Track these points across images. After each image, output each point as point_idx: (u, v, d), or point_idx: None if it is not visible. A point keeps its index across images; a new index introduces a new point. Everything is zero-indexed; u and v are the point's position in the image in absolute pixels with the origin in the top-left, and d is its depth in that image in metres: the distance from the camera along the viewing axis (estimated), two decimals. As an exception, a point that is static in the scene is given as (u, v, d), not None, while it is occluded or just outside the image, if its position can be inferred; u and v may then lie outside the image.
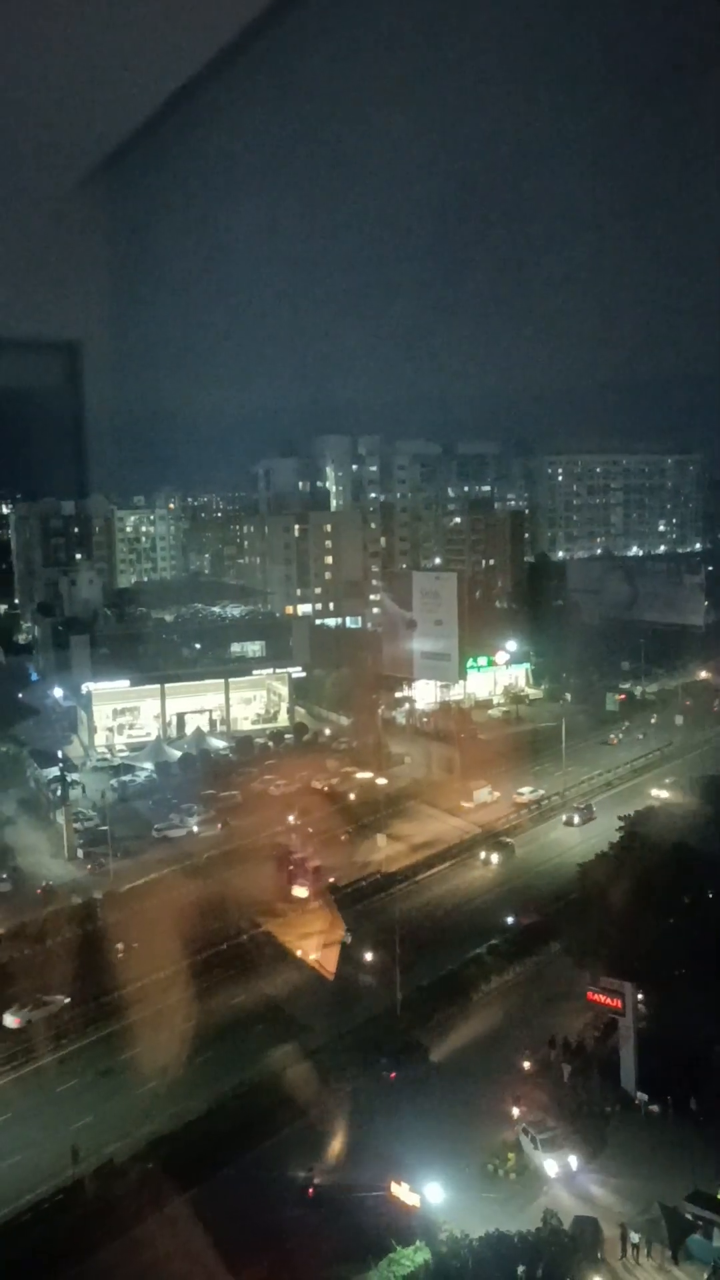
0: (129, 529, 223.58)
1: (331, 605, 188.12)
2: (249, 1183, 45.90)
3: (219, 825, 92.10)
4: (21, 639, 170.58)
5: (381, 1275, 40.09)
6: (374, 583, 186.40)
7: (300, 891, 74.96)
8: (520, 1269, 39.50)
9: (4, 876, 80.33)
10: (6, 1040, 57.61)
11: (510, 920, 70.18)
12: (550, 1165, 47.12)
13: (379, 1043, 55.80)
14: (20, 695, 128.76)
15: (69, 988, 61.28)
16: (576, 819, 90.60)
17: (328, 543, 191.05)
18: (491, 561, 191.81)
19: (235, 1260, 40.18)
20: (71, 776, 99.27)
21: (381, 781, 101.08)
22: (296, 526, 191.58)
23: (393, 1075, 53.34)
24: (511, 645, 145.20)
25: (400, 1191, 44.09)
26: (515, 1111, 50.61)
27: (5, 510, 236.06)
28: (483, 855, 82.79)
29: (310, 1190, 45.23)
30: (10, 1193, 45.38)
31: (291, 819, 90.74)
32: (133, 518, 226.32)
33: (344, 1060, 54.22)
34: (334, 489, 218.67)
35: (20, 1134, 49.90)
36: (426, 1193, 43.78)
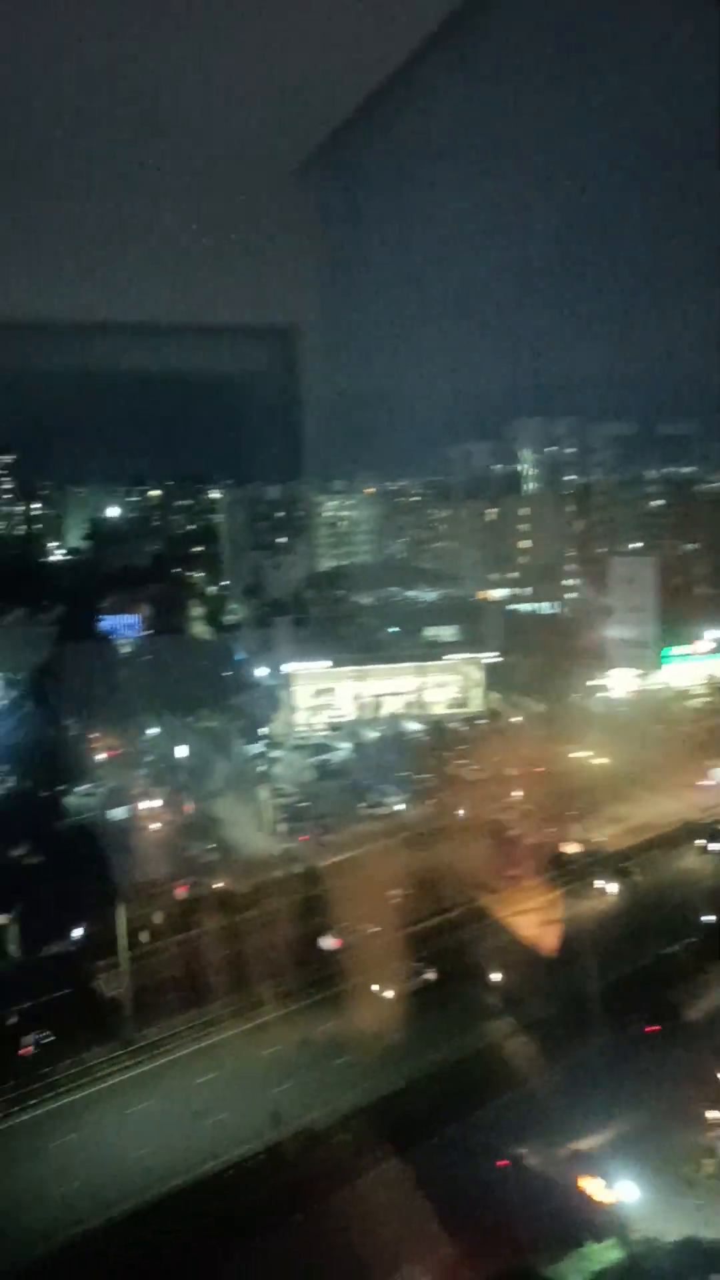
0: (329, 513, 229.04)
1: (526, 590, 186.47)
2: (455, 1152, 47.21)
3: (425, 803, 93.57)
4: (228, 620, 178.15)
5: (572, 1269, 40.43)
6: (569, 568, 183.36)
7: (515, 870, 75.51)
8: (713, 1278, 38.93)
9: (212, 846, 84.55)
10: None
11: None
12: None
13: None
14: (226, 673, 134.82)
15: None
16: None
17: (522, 527, 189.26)
18: (693, 546, 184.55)
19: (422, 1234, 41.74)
20: (273, 753, 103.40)
21: (594, 760, 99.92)
22: (491, 510, 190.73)
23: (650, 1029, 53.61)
24: (714, 634, 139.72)
25: (593, 1185, 44.23)
26: (713, 1114, 49.60)
27: (216, 495, 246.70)
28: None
29: (504, 1163, 46.07)
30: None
31: (515, 794, 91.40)
32: (332, 502, 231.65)
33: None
34: (530, 472, 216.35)
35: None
36: (621, 1190, 43.72)
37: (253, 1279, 40.39)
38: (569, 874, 75.75)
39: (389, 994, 59.75)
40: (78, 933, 66.30)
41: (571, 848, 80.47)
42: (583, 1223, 42.68)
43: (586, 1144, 47.05)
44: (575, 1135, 48.08)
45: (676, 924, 66.85)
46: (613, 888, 73.65)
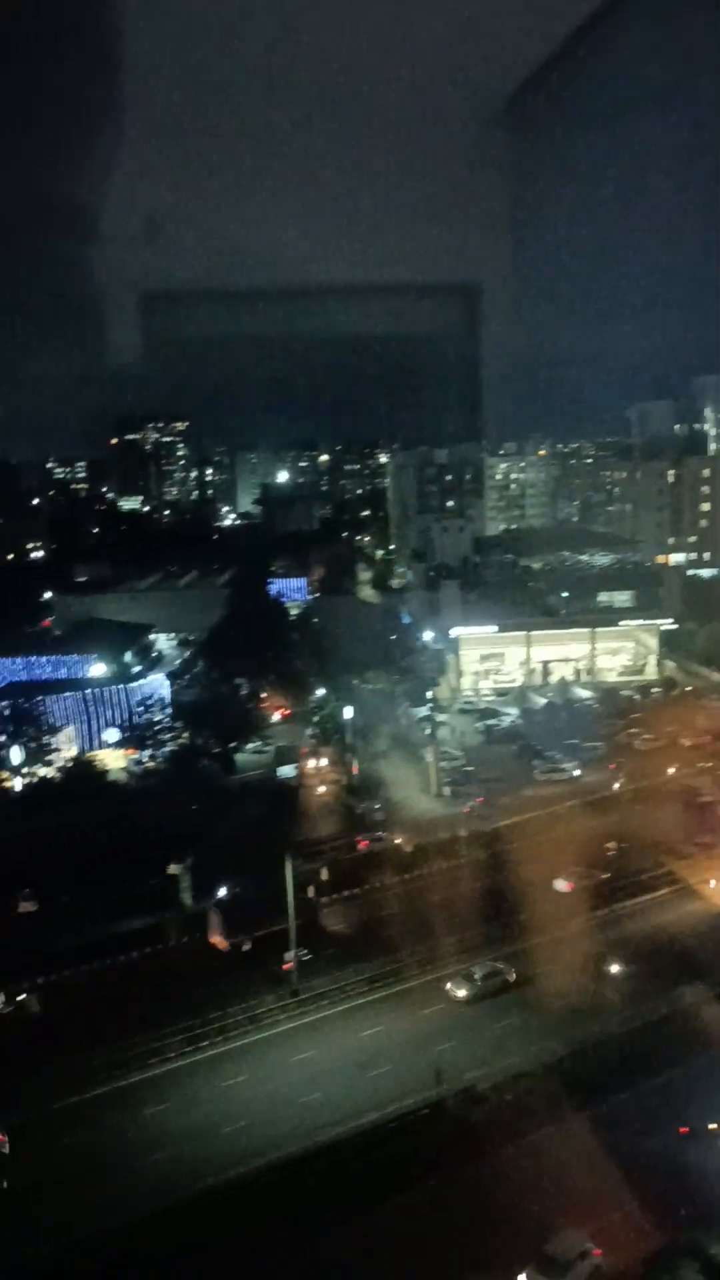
0: (499, 476, 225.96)
1: (707, 555, 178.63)
2: (634, 1116, 46.39)
3: (606, 769, 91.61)
4: (395, 583, 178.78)
5: (742, 1249, 38.80)
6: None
7: (707, 836, 74.06)
8: None
9: (378, 806, 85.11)
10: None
11: None
12: None
13: None
14: (393, 637, 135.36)
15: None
16: None
17: (705, 489, 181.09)
18: None
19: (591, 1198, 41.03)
20: (439, 717, 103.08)
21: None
22: (671, 471, 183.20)
23: None
24: None
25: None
26: None
27: (385, 459, 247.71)
28: None
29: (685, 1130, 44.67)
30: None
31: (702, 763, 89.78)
32: (503, 465, 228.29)
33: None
34: (713, 432, 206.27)
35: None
36: None
37: (408, 1230, 40.52)
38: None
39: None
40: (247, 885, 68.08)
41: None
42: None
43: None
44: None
45: None
46: None
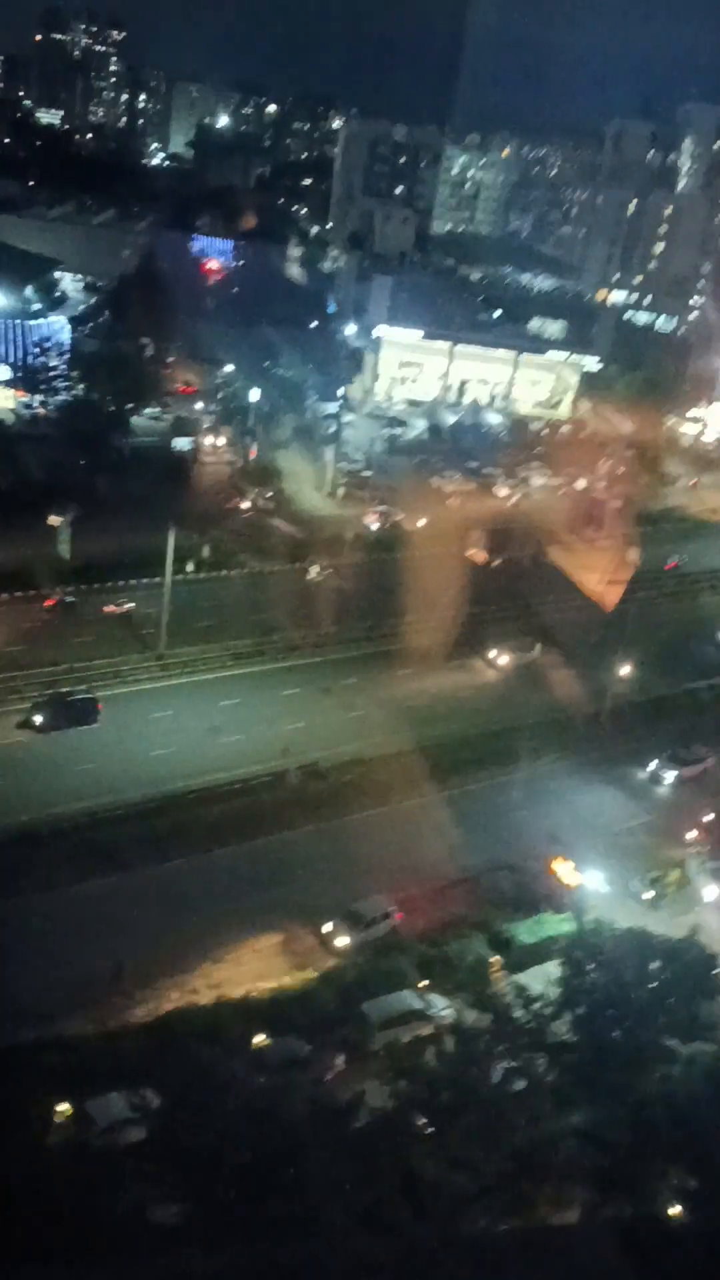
0: (455, 170, 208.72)
1: (648, 299, 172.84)
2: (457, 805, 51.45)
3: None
4: (326, 266, 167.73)
5: (527, 930, 44.02)
6: (701, 285, 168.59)
7: (593, 530, 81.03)
8: (653, 965, 42.08)
9: (270, 494, 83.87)
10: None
11: None
12: (711, 891, 48.83)
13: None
14: (314, 324, 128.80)
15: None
16: None
17: (663, 228, 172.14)
18: None
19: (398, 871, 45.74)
20: (347, 417, 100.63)
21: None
22: (634, 201, 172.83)
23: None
24: None
25: (562, 868, 47.23)
26: (692, 834, 52.13)
27: (337, 125, 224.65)
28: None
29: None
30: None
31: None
32: (462, 158, 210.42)
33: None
34: (688, 166, 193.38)
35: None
36: (586, 878, 46.70)
37: (238, 874, 44.39)
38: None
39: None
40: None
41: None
42: (545, 895, 46.00)
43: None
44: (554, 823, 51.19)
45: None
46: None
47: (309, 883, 44.94)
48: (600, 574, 73.40)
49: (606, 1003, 36.32)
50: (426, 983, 40.92)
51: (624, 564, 76.03)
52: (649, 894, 47.74)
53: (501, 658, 65.34)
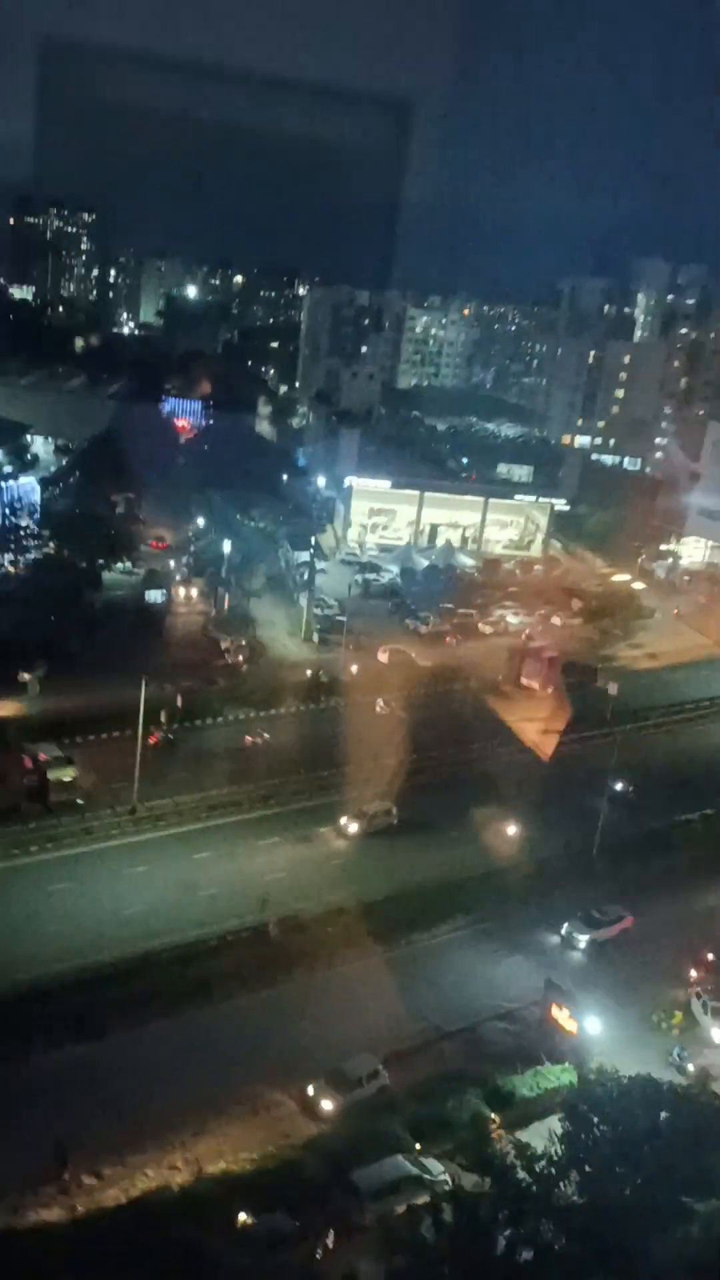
0: (418, 329, 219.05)
1: (612, 442, 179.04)
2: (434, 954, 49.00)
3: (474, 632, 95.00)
4: (295, 423, 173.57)
5: (527, 1084, 41.32)
6: (663, 426, 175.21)
7: (531, 680, 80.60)
8: (663, 1115, 39.40)
9: (244, 642, 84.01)
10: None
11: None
12: (718, 1034, 46.32)
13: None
14: (285, 478, 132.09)
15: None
16: None
17: (623, 375, 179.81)
18: None
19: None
20: (320, 564, 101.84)
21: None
22: (592, 352, 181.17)
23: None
24: None
25: (559, 1015, 44.77)
26: (693, 974, 49.80)
27: (302, 291, 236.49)
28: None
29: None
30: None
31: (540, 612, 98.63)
32: (424, 318, 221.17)
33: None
34: (642, 318, 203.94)
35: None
36: (585, 1024, 44.21)
37: (211, 1038, 41.75)
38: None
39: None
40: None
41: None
42: (543, 1045, 43.46)
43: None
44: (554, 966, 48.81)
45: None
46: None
47: (290, 1041, 42.31)
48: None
49: (615, 1158, 33.69)
50: (420, 1146, 38.02)
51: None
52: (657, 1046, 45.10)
53: (352, 825, 59.36)
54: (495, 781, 65.50)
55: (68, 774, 58.04)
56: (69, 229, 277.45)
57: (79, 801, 57.49)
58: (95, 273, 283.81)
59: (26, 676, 68.46)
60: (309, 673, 78.72)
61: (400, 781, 63.49)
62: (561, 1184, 33.35)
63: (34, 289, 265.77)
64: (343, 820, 59.27)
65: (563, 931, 52.32)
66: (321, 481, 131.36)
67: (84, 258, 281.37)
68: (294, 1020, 43.60)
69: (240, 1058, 41.11)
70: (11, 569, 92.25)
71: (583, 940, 51.91)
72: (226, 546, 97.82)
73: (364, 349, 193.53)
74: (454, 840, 58.89)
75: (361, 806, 60.00)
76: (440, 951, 50.06)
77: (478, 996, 47.18)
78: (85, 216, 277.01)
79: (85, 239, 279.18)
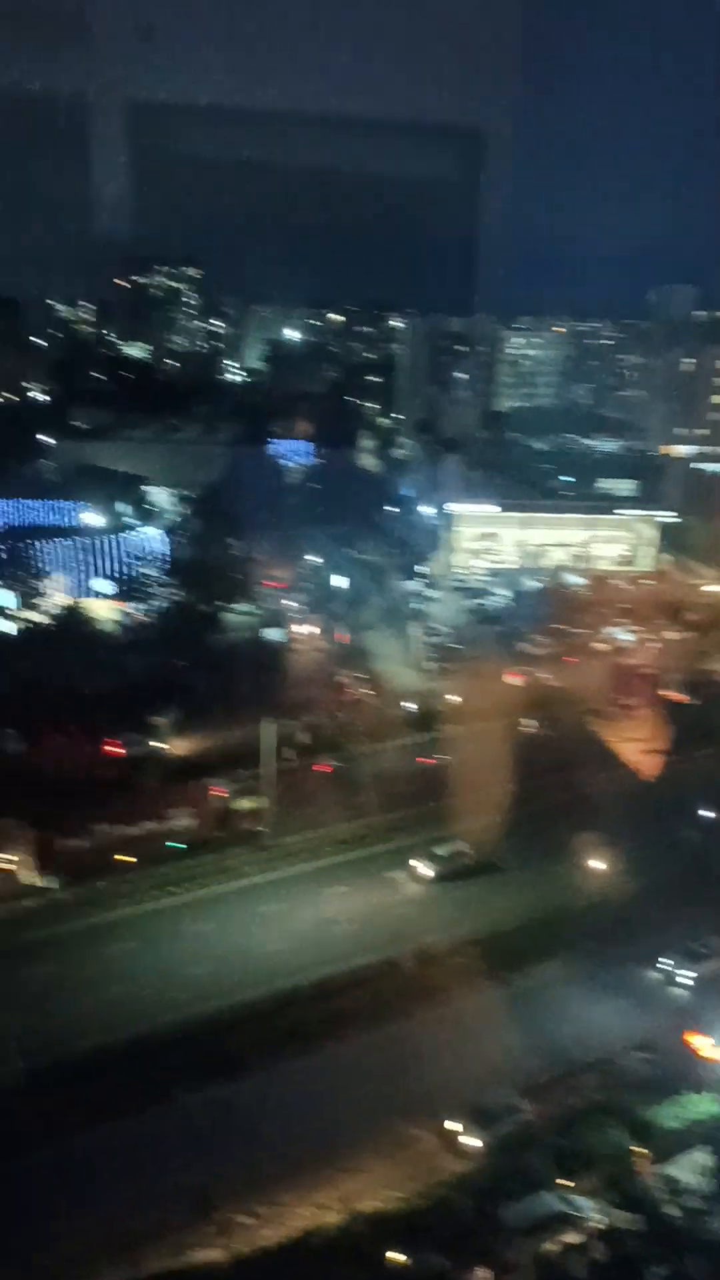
0: (513, 351, 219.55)
1: (714, 449, 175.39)
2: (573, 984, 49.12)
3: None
4: (398, 453, 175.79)
5: (669, 1115, 41.30)
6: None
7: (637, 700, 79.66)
8: None
9: (362, 675, 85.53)
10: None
11: None
12: None
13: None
14: (390, 509, 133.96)
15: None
16: None
17: (718, 380, 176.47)
18: None
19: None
20: (430, 593, 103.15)
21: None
22: (688, 360, 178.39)
23: None
24: None
25: (700, 1042, 44.55)
26: None
27: (398, 324, 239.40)
28: None
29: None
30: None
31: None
32: (518, 339, 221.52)
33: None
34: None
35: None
36: (724, 1052, 43.93)
37: (353, 1072, 42.96)
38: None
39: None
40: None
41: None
42: (683, 1074, 43.30)
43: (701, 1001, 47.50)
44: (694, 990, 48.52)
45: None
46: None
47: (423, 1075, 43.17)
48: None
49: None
50: (567, 1181, 38.42)
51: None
52: None
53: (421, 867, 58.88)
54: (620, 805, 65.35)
55: (250, 804, 61.46)
56: (175, 285, 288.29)
57: (261, 830, 60.15)
58: (201, 324, 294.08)
59: (159, 720, 71.48)
60: (429, 701, 79.74)
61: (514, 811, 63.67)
62: (713, 1218, 33.43)
63: (145, 345, 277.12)
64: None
65: (664, 966, 50.82)
66: (427, 509, 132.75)
67: (191, 310, 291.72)
68: (425, 1054, 44.51)
69: (376, 1093, 42.20)
70: (139, 617, 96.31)
71: (687, 975, 50.52)
72: (339, 581, 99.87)
73: (460, 375, 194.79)
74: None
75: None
76: (559, 984, 49.87)
77: (609, 1029, 47.05)
78: (189, 271, 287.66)
79: (191, 293, 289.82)
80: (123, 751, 68.08)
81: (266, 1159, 38.62)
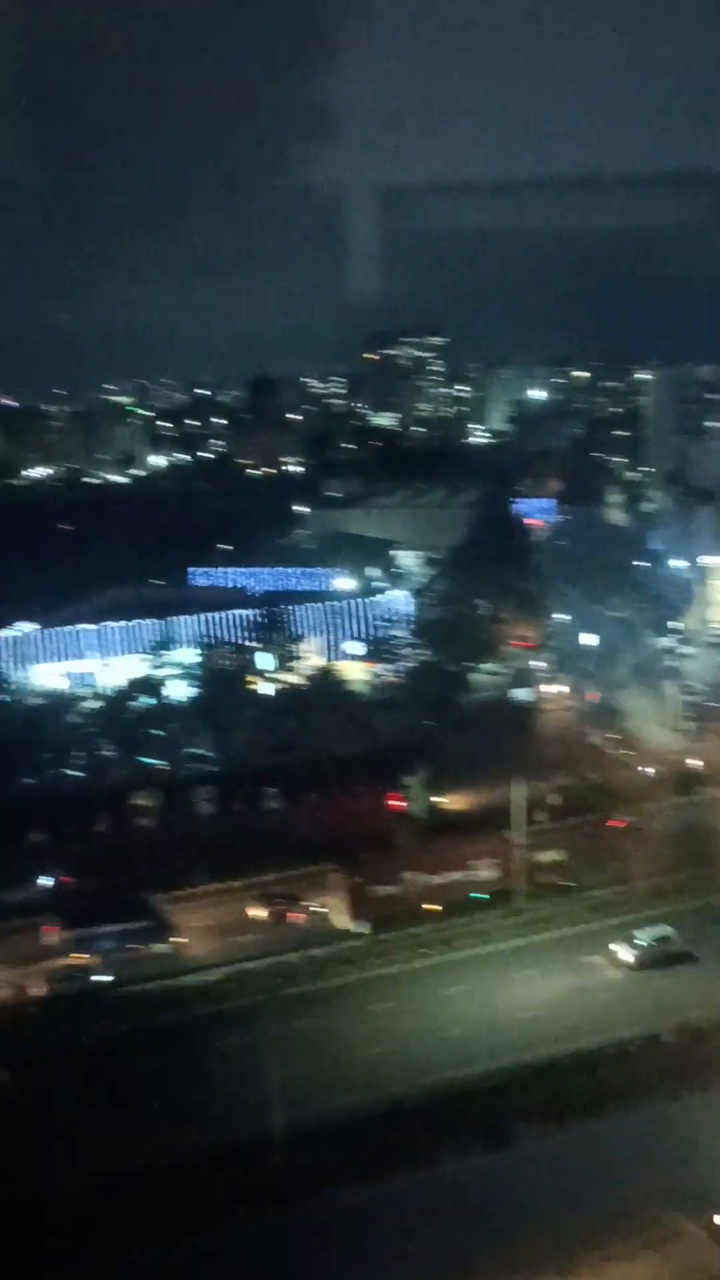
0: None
1: None
2: None
3: None
4: (647, 506, 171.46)
5: None
6: None
7: None
8: None
9: (614, 736, 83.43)
10: None
11: None
12: None
13: None
14: (640, 563, 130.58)
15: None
16: None
17: None
18: None
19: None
20: (684, 648, 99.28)
21: None
22: None
23: None
24: None
25: None
26: None
27: (643, 376, 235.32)
28: None
29: None
30: None
31: None
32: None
33: None
34: None
35: None
36: None
37: (618, 1150, 41.11)
38: None
39: None
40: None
41: None
42: None
43: None
44: None
45: None
46: None
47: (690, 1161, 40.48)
48: None
49: None
50: None
51: None
52: None
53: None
54: None
55: (553, 856, 61.64)
56: (420, 354, 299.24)
57: (568, 884, 60.19)
58: (447, 390, 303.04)
59: (410, 781, 72.62)
60: (689, 762, 76.28)
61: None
62: None
63: (394, 414, 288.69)
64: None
65: None
66: (679, 563, 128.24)
67: (436, 378, 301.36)
68: (693, 1140, 41.79)
69: (641, 1176, 39.90)
70: (389, 677, 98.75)
71: None
72: (588, 639, 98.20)
73: (712, 424, 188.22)
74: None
75: None
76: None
77: None
78: (434, 340, 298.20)
79: (436, 361, 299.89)
80: (405, 805, 69.45)
81: (525, 1235, 37.36)
